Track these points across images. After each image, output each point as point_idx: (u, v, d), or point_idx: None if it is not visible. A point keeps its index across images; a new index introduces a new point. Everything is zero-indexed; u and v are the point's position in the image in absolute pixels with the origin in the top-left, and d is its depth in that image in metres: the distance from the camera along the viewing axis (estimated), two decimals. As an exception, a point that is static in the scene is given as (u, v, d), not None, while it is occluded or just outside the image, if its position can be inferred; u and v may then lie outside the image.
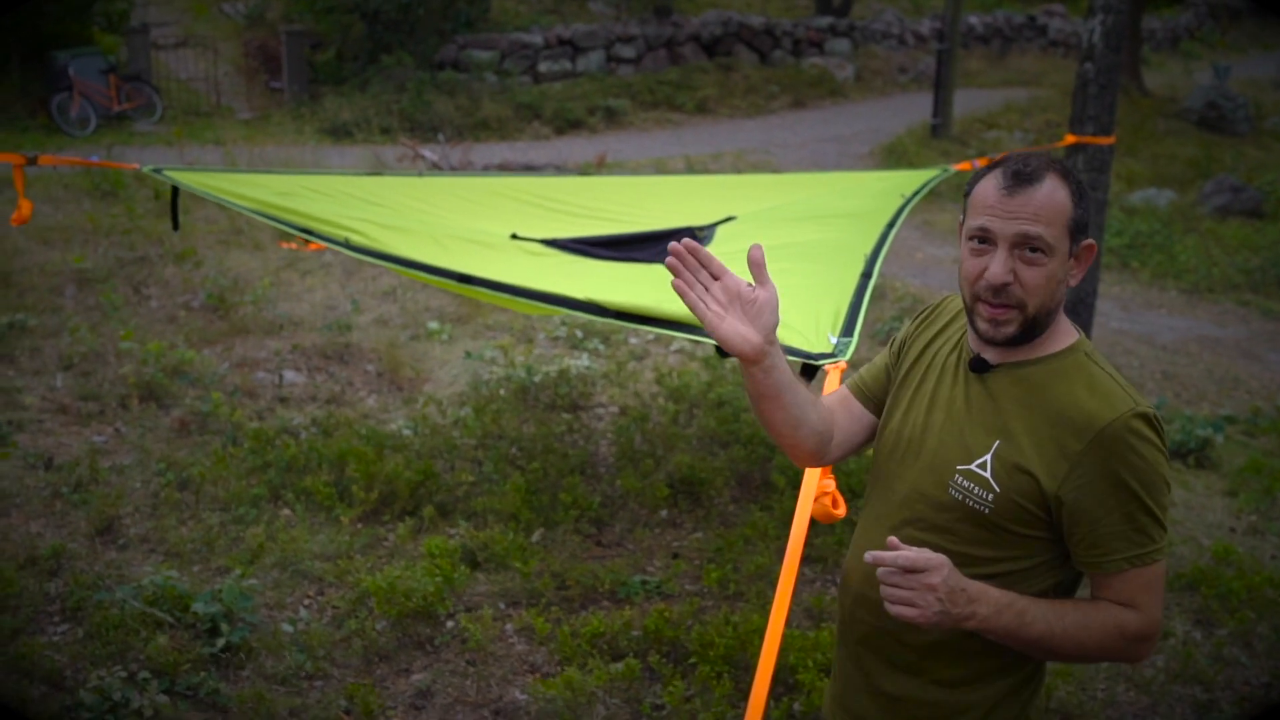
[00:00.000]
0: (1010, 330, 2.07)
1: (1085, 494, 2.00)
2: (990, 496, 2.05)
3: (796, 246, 4.80)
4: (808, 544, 5.35)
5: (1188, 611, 5.09)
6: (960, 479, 2.08)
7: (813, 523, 2.53)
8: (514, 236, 5.26)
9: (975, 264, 2.06)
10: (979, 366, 2.12)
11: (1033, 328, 2.08)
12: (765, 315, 2.06)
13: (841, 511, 2.38)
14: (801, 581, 5.19)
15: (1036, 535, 2.06)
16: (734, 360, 7.44)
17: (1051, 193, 2.03)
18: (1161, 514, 2.01)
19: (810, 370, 3.49)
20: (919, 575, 1.91)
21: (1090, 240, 2.10)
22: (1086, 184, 8.54)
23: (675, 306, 4.09)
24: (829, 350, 3.44)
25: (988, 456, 2.06)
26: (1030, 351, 2.10)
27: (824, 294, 3.95)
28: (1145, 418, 2.00)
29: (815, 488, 2.38)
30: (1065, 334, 2.13)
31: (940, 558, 1.93)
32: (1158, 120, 17.21)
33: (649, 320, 4.12)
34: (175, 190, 5.17)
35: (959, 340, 2.22)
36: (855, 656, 2.27)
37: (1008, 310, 2.06)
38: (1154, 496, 2.00)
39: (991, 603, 1.97)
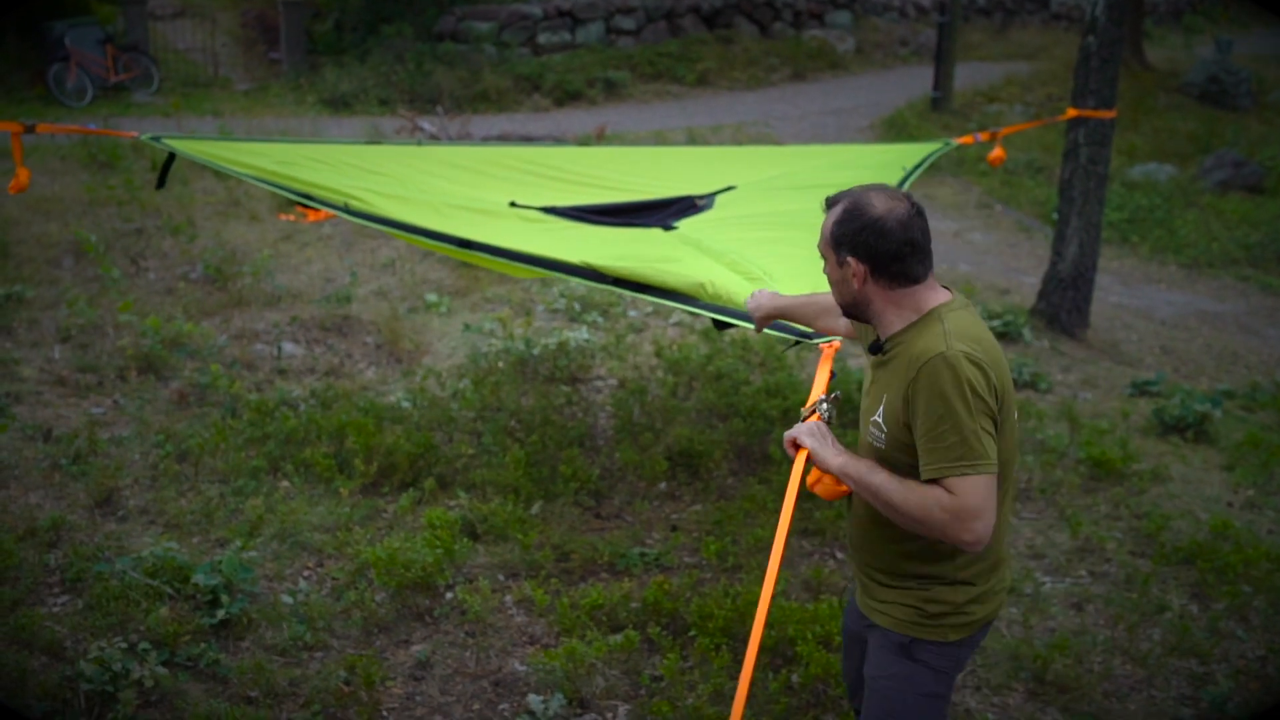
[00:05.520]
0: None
1: (914, 415, 2.58)
2: (883, 436, 2.69)
3: (795, 214, 4.79)
4: (806, 517, 5.36)
5: (1184, 585, 5.11)
6: (871, 427, 2.74)
7: (811, 494, 2.70)
8: (513, 204, 5.26)
9: None
10: (873, 349, 2.78)
11: (850, 312, 2.80)
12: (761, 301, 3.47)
13: (846, 487, 2.69)
14: (800, 554, 5.20)
15: (918, 461, 2.60)
16: (732, 334, 7.44)
17: (828, 218, 2.74)
18: (967, 428, 2.50)
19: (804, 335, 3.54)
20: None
21: (848, 258, 2.67)
22: (1087, 158, 8.49)
23: (673, 275, 4.08)
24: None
25: (882, 406, 2.69)
26: (899, 325, 2.70)
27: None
28: (945, 358, 2.54)
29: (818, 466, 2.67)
30: (927, 305, 2.68)
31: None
32: (1159, 94, 17.13)
33: (646, 288, 4.12)
34: (171, 155, 5.16)
35: None
36: (856, 545, 2.95)
37: None
38: (955, 412, 2.51)
39: (854, 456, 2.67)
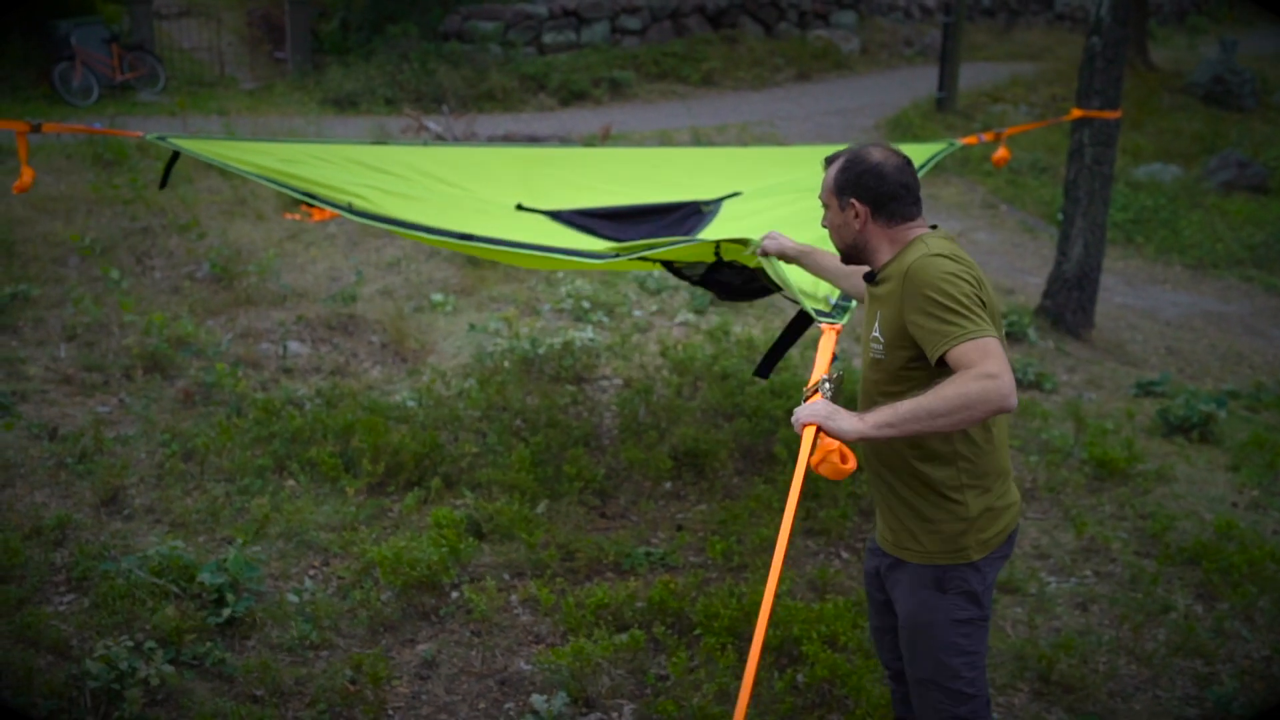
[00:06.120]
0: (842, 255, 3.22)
1: (910, 315, 2.86)
2: (881, 346, 3.01)
3: (801, 212, 4.82)
4: (811, 517, 5.36)
5: (1189, 585, 5.11)
6: (872, 343, 3.05)
7: (816, 494, 2.69)
8: (519, 207, 5.26)
9: None
10: (868, 278, 3.12)
11: (849, 255, 3.15)
12: (783, 241, 3.72)
13: (851, 465, 2.68)
14: (805, 554, 5.20)
15: (915, 362, 2.92)
16: (738, 333, 7.40)
17: (829, 171, 3.12)
18: (960, 306, 2.76)
19: (805, 319, 3.69)
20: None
21: (851, 200, 3.04)
22: (1092, 158, 8.46)
23: (682, 246, 4.16)
24: (826, 309, 3.51)
25: (878, 322, 3.02)
26: (889, 255, 3.04)
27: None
28: (928, 259, 2.86)
29: (821, 447, 2.68)
30: (912, 235, 3.02)
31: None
32: (1163, 95, 17.08)
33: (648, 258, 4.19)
34: (175, 155, 5.16)
35: None
36: (872, 481, 3.22)
37: None
38: (947, 294, 2.78)
39: (870, 413, 2.75)
